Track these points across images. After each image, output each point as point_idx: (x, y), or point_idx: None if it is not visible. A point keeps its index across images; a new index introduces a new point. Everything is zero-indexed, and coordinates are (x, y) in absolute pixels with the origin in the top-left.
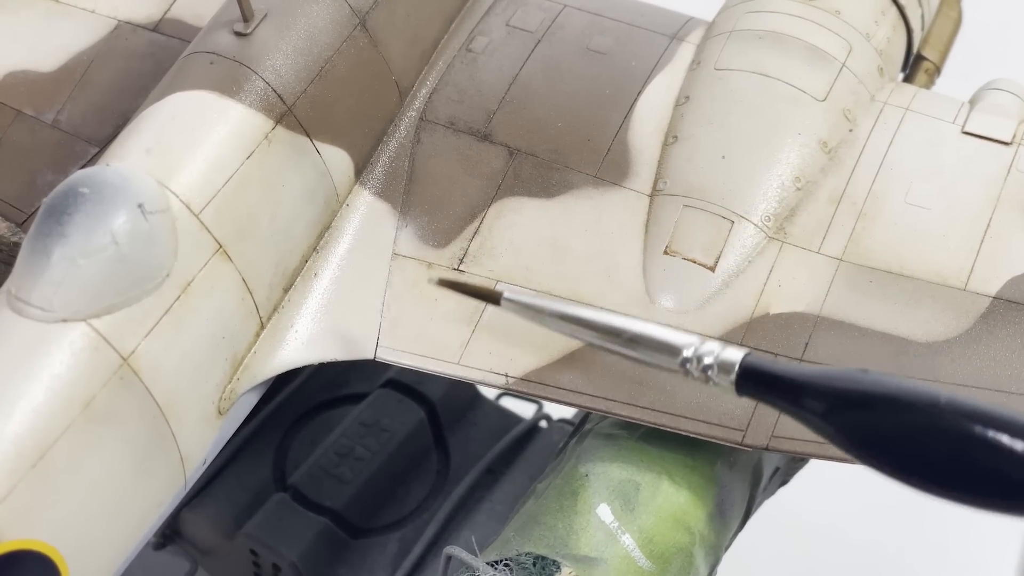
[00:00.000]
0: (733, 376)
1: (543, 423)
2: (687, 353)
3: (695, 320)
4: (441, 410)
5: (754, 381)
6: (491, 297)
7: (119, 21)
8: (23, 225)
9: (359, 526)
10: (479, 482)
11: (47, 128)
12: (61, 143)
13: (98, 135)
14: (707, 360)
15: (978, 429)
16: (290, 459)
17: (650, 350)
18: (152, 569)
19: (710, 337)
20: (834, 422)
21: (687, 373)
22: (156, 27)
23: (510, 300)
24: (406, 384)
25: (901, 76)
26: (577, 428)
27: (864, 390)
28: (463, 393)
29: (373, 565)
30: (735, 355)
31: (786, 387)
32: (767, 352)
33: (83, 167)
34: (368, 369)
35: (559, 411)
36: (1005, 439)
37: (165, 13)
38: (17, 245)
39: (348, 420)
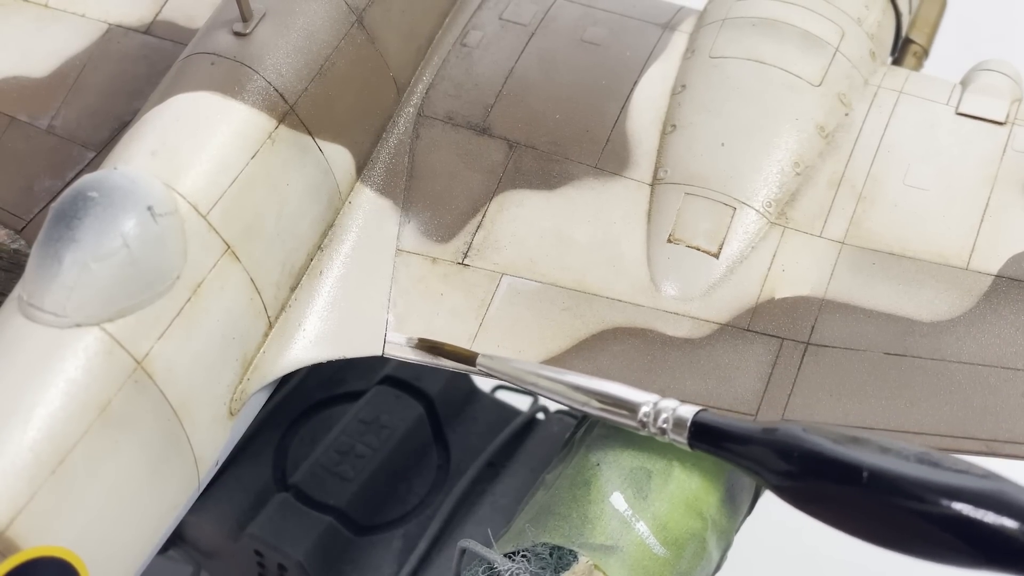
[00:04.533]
0: (686, 432)
1: (540, 415)
2: (645, 409)
3: (701, 307)
4: (439, 405)
5: (706, 436)
6: (468, 359)
7: (110, 25)
8: (22, 232)
9: (363, 523)
10: (480, 476)
11: (42, 134)
12: (57, 148)
13: (94, 139)
14: (664, 416)
15: (900, 503)
16: (290, 459)
17: (612, 407)
18: (154, 574)
19: (667, 397)
20: (773, 479)
21: (645, 428)
22: (148, 30)
23: (484, 363)
24: (403, 380)
25: (890, 60)
26: (584, 418)
27: (799, 452)
28: (460, 387)
29: (379, 562)
30: (688, 412)
31: (734, 441)
32: (773, 337)
33: (81, 172)
34: (364, 366)
35: (555, 403)
36: (929, 509)
37: (156, 15)
38: (17, 252)
39: (347, 418)
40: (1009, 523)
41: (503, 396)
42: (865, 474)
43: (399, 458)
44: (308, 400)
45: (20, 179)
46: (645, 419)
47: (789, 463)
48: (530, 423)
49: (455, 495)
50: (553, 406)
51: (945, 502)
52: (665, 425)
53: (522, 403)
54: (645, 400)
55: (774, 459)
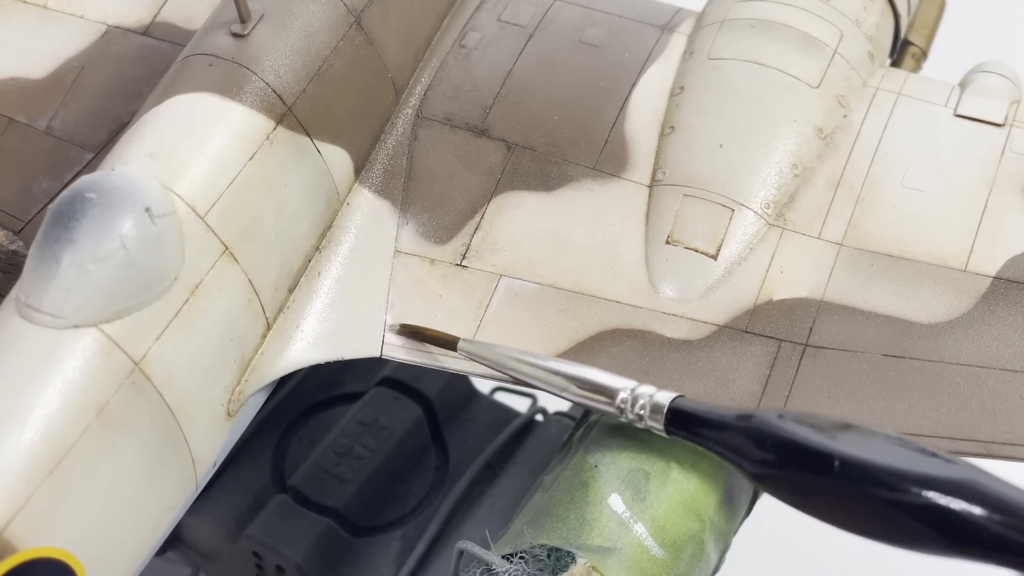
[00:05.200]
0: (663, 418)
1: (539, 416)
2: (623, 395)
3: (699, 309)
4: (438, 407)
5: (681, 422)
6: (449, 343)
7: (108, 26)
8: (20, 233)
9: (361, 525)
10: (479, 477)
11: (40, 135)
12: (55, 149)
13: (92, 140)
14: (641, 402)
15: (871, 491)
16: (288, 460)
17: (591, 392)
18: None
19: (644, 383)
20: (749, 466)
21: (623, 413)
22: (146, 31)
23: (465, 347)
24: (402, 382)
25: (889, 61)
26: (581, 420)
27: (772, 440)
28: (459, 389)
29: (377, 564)
30: (665, 398)
31: (709, 428)
32: (771, 338)
33: (79, 173)
34: (363, 368)
35: (554, 404)
36: (899, 497)
37: (155, 17)
38: (15, 253)
39: (345, 419)
40: (979, 511)
41: (502, 398)
42: (836, 463)
43: (397, 460)
44: (306, 402)
45: (18, 180)
46: (623, 405)
47: (764, 451)
48: (528, 425)
49: (453, 497)
50: (552, 407)
51: (916, 490)
52: (642, 411)
53: (521, 405)
54: (623, 386)
55: (749, 447)
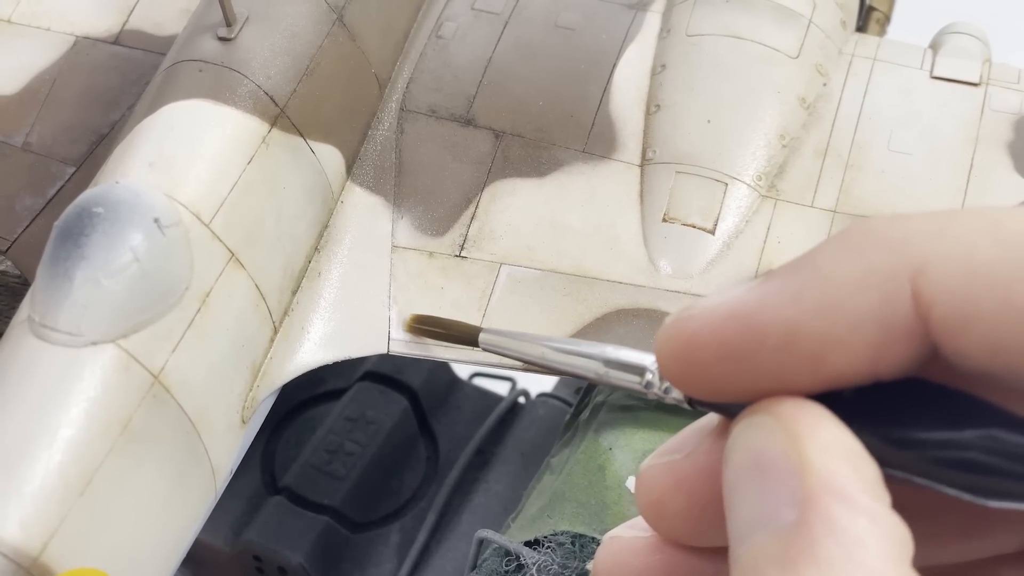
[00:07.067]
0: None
1: (521, 399)
2: (652, 368)
3: (701, 284)
4: (423, 397)
5: None
6: (467, 339)
7: (77, 37)
8: (7, 252)
9: (358, 521)
10: (471, 464)
11: (18, 152)
12: (35, 165)
13: (72, 154)
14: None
15: None
16: (278, 462)
17: (619, 372)
18: None
19: None
20: None
21: (649, 388)
22: (116, 40)
23: (487, 341)
24: (385, 375)
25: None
26: (582, 400)
27: None
28: (442, 378)
29: (378, 558)
30: None
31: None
32: None
33: (62, 187)
34: (343, 363)
35: (537, 386)
36: None
37: (123, 25)
38: (4, 273)
39: (332, 416)
40: None
41: (482, 383)
42: None
43: (389, 452)
44: (289, 402)
45: (0, 199)
46: (651, 378)
47: None
48: (513, 408)
49: (448, 486)
50: (534, 389)
51: None
52: (668, 386)
53: (501, 388)
54: (648, 362)
55: None
